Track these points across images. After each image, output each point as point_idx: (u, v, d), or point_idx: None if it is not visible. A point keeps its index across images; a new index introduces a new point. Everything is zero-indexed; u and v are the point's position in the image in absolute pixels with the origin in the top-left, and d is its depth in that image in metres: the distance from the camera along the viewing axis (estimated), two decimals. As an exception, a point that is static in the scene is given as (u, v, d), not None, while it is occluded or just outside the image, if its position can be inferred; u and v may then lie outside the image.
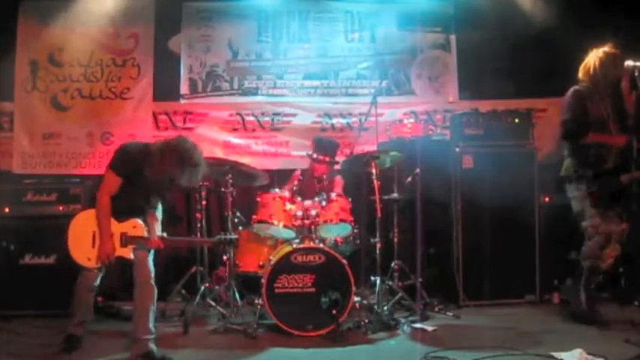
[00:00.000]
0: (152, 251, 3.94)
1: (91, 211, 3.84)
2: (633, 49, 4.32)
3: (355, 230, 4.87)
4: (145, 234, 3.88)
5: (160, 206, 4.11)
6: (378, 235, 4.64)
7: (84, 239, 3.83)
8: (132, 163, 3.81)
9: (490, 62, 5.78)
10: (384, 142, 5.67)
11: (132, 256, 3.84)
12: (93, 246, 3.81)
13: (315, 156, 5.17)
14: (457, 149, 5.36)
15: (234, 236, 4.11)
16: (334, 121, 6.23)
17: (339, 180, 5.40)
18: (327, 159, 5.16)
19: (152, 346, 3.80)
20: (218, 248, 3.97)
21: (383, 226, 4.70)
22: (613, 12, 5.50)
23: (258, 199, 4.79)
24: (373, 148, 5.59)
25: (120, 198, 3.82)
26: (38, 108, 5.94)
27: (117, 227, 3.84)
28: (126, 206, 3.85)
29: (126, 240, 3.85)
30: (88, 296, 3.98)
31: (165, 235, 3.98)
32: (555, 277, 5.27)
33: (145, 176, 3.81)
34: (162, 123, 6.10)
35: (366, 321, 4.40)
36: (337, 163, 5.35)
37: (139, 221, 3.89)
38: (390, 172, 4.99)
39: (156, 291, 3.89)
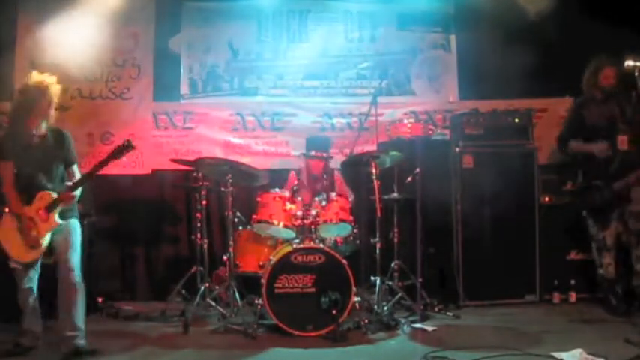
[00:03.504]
0: (77, 248, 3.94)
1: (5, 216, 3.90)
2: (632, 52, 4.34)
3: (355, 230, 4.88)
4: (53, 196, 3.87)
5: (76, 170, 4.09)
6: (378, 235, 4.64)
7: (14, 237, 3.87)
8: (7, 143, 3.88)
9: (490, 62, 5.77)
10: (384, 142, 5.66)
11: (58, 221, 3.86)
12: (23, 238, 3.86)
13: (312, 154, 5.21)
14: (457, 149, 5.36)
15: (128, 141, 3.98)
16: (334, 121, 6.22)
17: (338, 176, 5.43)
18: (322, 155, 5.19)
19: (80, 342, 3.84)
20: (119, 155, 3.94)
21: (383, 226, 4.70)
22: (611, 15, 5.51)
23: (258, 199, 4.79)
24: (373, 148, 5.60)
25: (19, 183, 3.87)
26: (38, 108, 5.93)
27: (31, 210, 3.86)
28: (29, 186, 3.87)
29: (44, 212, 3.85)
30: (25, 301, 3.95)
31: (68, 183, 3.94)
32: (555, 277, 5.26)
33: (30, 149, 3.87)
34: (162, 123, 6.09)
35: (366, 321, 4.40)
36: (331, 157, 5.37)
37: (43, 192, 3.88)
38: (390, 172, 4.99)
39: (79, 287, 3.89)
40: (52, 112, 3.96)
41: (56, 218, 3.87)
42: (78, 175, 4.07)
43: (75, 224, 4.01)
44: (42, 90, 3.89)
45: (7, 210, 3.92)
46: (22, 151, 3.88)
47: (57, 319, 3.91)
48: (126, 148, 3.91)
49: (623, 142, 4.72)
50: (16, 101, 3.97)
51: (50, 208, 3.85)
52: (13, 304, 4.02)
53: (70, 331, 3.85)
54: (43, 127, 3.93)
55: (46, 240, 3.86)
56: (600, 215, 4.85)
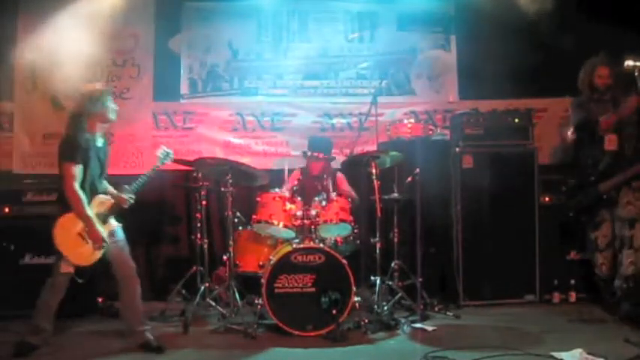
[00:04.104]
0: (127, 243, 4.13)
1: (65, 217, 3.91)
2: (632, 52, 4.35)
3: (355, 230, 4.87)
4: (112, 200, 4.06)
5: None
6: (378, 235, 4.64)
7: (74, 242, 3.90)
8: (80, 145, 3.91)
9: (490, 62, 5.78)
10: (384, 142, 5.66)
11: (115, 223, 4.07)
12: (86, 242, 3.91)
13: (309, 154, 5.21)
14: (457, 149, 5.36)
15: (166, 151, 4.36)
16: (334, 121, 6.23)
17: (341, 177, 5.42)
18: (322, 156, 5.19)
19: (149, 335, 4.03)
20: (166, 161, 4.39)
21: (383, 226, 4.70)
22: (611, 15, 5.52)
23: (258, 199, 4.79)
24: (373, 148, 5.60)
25: (81, 185, 3.92)
26: (38, 108, 5.93)
27: (91, 211, 3.93)
28: (87, 189, 3.95)
29: (103, 216, 4.00)
30: (55, 302, 3.99)
31: (126, 186, 4.14)
32: (555, 277, 5.27)
33: (93, 154, 3.98)
34: (162, 123, 6.09)
35: (366, 321, 4.40)
36: (334, 158, 5.37)
37: (100, 195, 4.04)
38: (390, 172, 4.99)
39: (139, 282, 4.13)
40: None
41: (113, 221, 4.06)
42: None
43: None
44: (103, 96, 4.06)
45: (64, 215, 3.92)
46: (87, 155, 3.95)
47: (123, 315, 4.12)
48: (167, 155, 4.28)
49: (611, 141, 4.68)
50: (82, 105, 4.03)
51: (109, 211, 4.02)
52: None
53: (141, 326, 4.05)
54: (100, 133, 4.10)
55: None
56: (590, 216, 4.83)
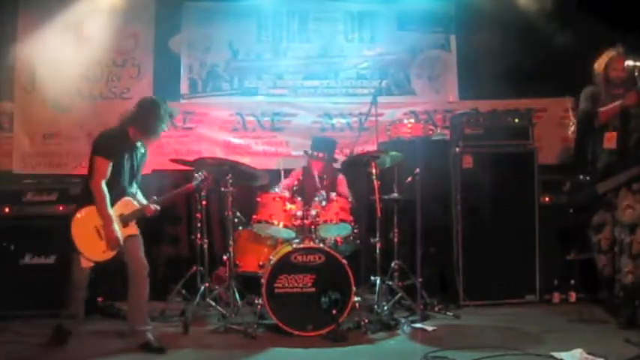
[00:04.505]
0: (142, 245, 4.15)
1: (85, 210, 3.94)
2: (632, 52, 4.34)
3: (355, 230, 4.88)
4: (137, 206, 4.09)
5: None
6: (378, 235, 4.64)
7: (90, 237, 3.93)
8: (117, 144, 3.98)
9: (490, 62, 5.78)
10: (384, 142, 5.66)
11: (135, 228, 4.09)
12: (101, 238, 3.93)
13: (310, 153, 5.21)
14: (457, 149, 5.36)
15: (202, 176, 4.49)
16: (334, 121, 6.23)
17: (342, 179, 5.42)
18: (321, 155, 5.18)
19: (150, 336, 4.01)
20: (201, 186, 4.51)
21: (383, 226, 4.70)
22: (611, 15, 5.51)
23: (258, 199, 4.79)
24: (373, 148, 5.60)
25: (109, 183, 3.94)
26: (38, 108, 5.93)
27: (113, 211, 3.96)
28: (115, 189, 3.98)
29: (125, 219, 4.03)
30: (81, 293, 4.07)
31: (154, 197, 4.22)
32: (555, 277, 5.27)
33: (128, 154, 4.03)
34: (162, 123, 6.08)
35: (366, 321, 4.40)
36: (335, 161, 5.36)
37: (128, 198, 4.07)
38: (390, 172, 4.99)
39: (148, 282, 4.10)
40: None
41: (134, 226, 4.08)
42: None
43: None
44: (160, 109, 4.10)
45: (81, 211, 3.96)
46: (122, 156, 3.99)
47: (128, 314, 4.13)
48: (203, 180, 4.44)
49: (610, 139, 4.55)
50: (137, 110, 4.11)
51: (132, 216, 4.06)
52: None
53: (143, 326, 4.03)
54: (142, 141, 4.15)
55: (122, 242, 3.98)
56: (589, 215, 4.76)
